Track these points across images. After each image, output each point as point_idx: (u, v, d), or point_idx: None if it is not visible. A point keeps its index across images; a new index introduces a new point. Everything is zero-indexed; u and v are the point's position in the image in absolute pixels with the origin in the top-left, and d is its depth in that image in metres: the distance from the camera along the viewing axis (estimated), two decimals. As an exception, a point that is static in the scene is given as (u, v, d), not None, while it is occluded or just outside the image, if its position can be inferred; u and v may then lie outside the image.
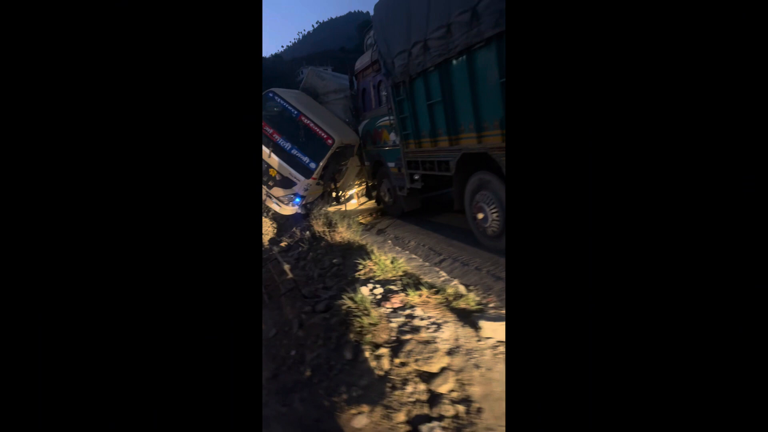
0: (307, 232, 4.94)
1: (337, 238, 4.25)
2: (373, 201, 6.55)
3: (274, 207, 5.89)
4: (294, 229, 5.61)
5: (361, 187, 6.95)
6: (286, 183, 5.62)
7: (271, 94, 5.68)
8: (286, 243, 5.23)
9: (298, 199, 5.72)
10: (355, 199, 6.89)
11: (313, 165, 5.55)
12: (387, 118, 5.05)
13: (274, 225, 6.52)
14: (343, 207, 6.31)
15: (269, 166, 5.60)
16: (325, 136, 5.58)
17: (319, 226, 4.70)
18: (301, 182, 5.56)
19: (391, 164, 5.26)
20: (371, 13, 4.95)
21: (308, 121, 5.59)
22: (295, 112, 5.63)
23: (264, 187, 5.78)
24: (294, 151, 5.53)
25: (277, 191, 5.71)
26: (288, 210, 5.82)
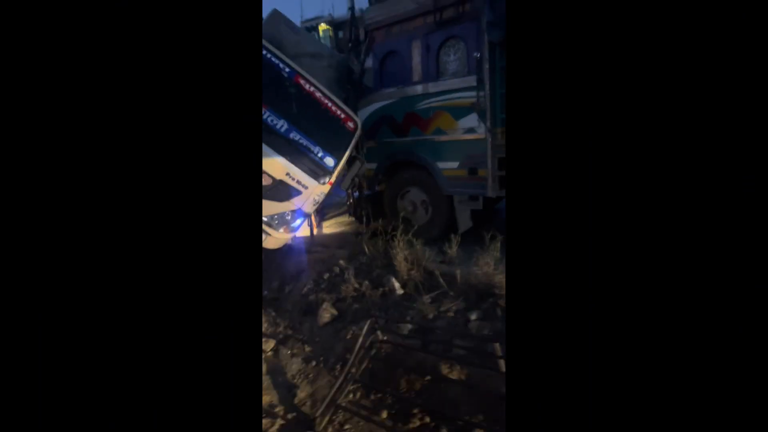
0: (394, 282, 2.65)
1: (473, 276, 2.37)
2: (358, 219, 4.50)
3: None
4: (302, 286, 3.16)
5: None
6: (278, 192, 3.13)
7: None
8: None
9: (300, 219, 3.30)
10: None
11: (330, 160, 3.29)
12: (450, 95, 3.42)
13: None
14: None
15: (244, 161, 3.02)
16: (342, 115, 3.42)
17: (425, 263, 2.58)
18: (309, 190, 3.20)
19: (449, 164, 3.60)
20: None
21: (312, 88, 3.32)
22: (288, 71, 3.26)
23: None
24: (295, 137, 3.15)
25: (264, 206, 3.14)
26: (279, 239, 3.27)
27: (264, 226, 3.17)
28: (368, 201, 4.24)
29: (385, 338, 2.04)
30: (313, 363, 2.19)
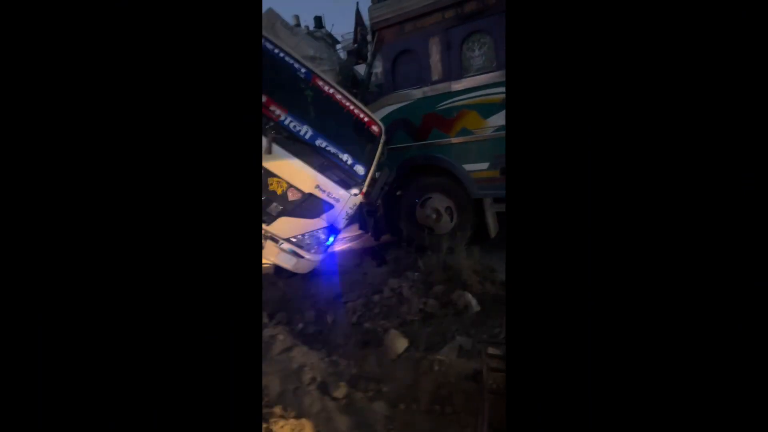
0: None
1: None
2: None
3: (282, 261, 2.76)
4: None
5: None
6: (307, 208, 2.72)
7: None
8: None
9: (333, 236, 2.89)
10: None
11: (360, 168, 2.93)
12: (477, 93, 3.24)
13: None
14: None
15: (267, 174, 2.57)
16: (366, 119, 3.10)
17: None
18: (341, 202, 2.81)
19: (478, 166, 3.39)
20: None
21: (332, 90, 2.98)
22: (305, 72, 2.90)
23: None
24: (321, 144, 2.77)
25: (287, 225, 2.70)
26: (312, 261, 2.84)
27: (295, 248, 2.74)
28: (381, 212, 3.91)
29: (494, 365, 1.72)
30: (402, 406, 1.81)
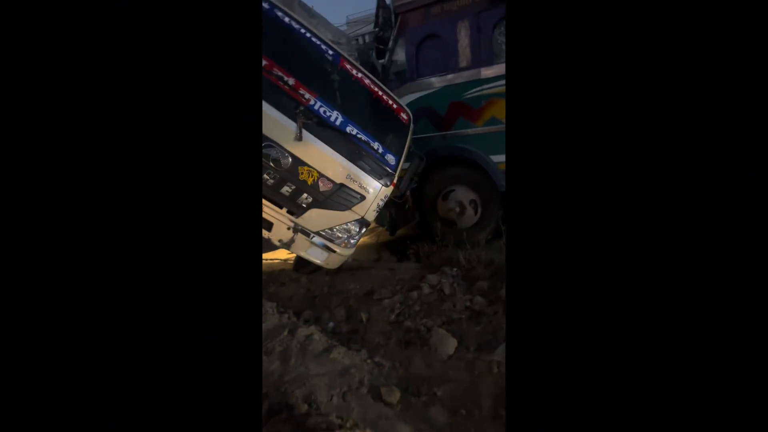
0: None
1: None
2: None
3: (313, 255, 2.59)
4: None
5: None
6: (338, 199, 2.55)
7: (279, 13, 2.53)
8: None
9: (364, 230, 2.73)
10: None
11: (391, 158, 2.77)
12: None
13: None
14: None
15: (297, 162, 2.39)
16: (395, 106, 2.94)
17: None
18: (372, 194, 2.65)
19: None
20: None
21: (360, 74, 2.81)
22: (332, 54, 2.72)
23: (279, 215, 2.46)
24: (352, 131, 2.59)
25: (317, 217, 2.53)
26: (343, 256, 2.68)
27: (326, 242, 2.57)
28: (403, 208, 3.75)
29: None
30: (463, 411, 1.68)
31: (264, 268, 3.87)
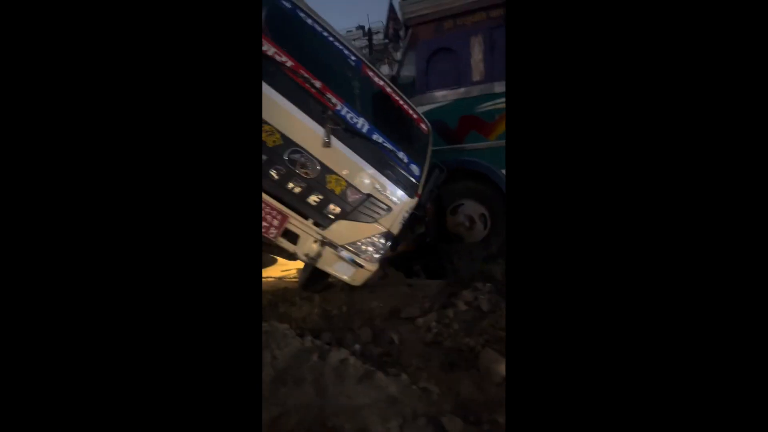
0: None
1: None
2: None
3: (339, 271, 2.37)
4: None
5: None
6: (365, 211, 2.38)
7: (301, 13, 2.39)
8: None
9: (389, 244, 2.56)
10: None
11: (415, 168, 2.66)
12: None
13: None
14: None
15: (325, 170, 2.22)
16: (415, 116, 2.86)
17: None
18: (399, 206, 2.51)
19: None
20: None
21: (382, 82, 2.71)
22: (355, 60, 2.61)
23: (305, 227, 2.25)
24: (378, 139, 2.46)
25: (344, 230, 2.34)
26: (370, 271, 2.48)
27: (354, 256, 2.38)
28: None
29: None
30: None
31: (264, 286, 3.56)
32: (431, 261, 3.61)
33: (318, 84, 2.24)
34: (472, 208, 3.54)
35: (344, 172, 2.26)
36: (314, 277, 2.89)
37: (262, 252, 5.05)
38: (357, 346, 2.30)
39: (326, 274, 2.90)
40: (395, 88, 2.76)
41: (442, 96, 3.42)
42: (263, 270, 4.47)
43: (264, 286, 3.54)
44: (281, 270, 4.36)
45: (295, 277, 4.01)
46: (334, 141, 2.22)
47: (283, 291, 3.17)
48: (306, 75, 2.19)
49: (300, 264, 4.35)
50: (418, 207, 2.93)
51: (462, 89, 3.35)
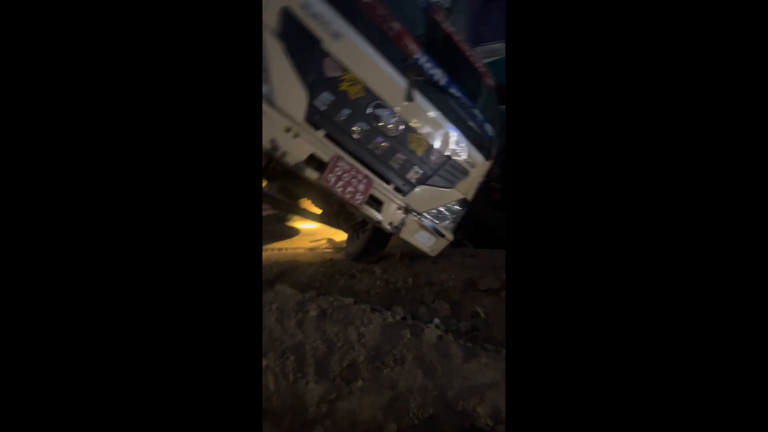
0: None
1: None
2: None
3: (420, 241, 2.16)
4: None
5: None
6: (444, 174, 2.15)
7: None
8: None
9: (462, 213, 2.35)
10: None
11: (489, 128, 2.42)
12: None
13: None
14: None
15: (407, 129, 1.96)
16: (482, 69, 2.58)
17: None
18: (476, 169, 2.29)
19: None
20: None
21: (450, 29, 2.40)
22: (423, 2, 2.28)
23: (389, 193, 2.00)
24: (455, 93, 2.19)
25: (424, 196, 2.12)
26: (447, 240, 2.29)
27: (436, 225, 2.17)
28: None
29: None
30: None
31: (305, 257, 3.34)
32: (474, 231, 3.46)
33: (396, 26, 1.93)
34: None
35: (426, 130, 2.00)
36: (370, 247, 2.68)
37: (282, 222, 4.76)
38: (436, 320, 2.15)
39: (381, 245, 2.71)
40: (461, 37, 2.46)
41: (497, 50, 3.13)
42: (288, 241, 4.23)
43: (303, 258, 3.31)
44: (310, 241, 4.13)
45: (328, 248, 3.79)
46: (416, 95, 1.95)
47: (330, 263, 2.96)
48: (384, 14, 1.87)
49: (330, 233, 4.12)
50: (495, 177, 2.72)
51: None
